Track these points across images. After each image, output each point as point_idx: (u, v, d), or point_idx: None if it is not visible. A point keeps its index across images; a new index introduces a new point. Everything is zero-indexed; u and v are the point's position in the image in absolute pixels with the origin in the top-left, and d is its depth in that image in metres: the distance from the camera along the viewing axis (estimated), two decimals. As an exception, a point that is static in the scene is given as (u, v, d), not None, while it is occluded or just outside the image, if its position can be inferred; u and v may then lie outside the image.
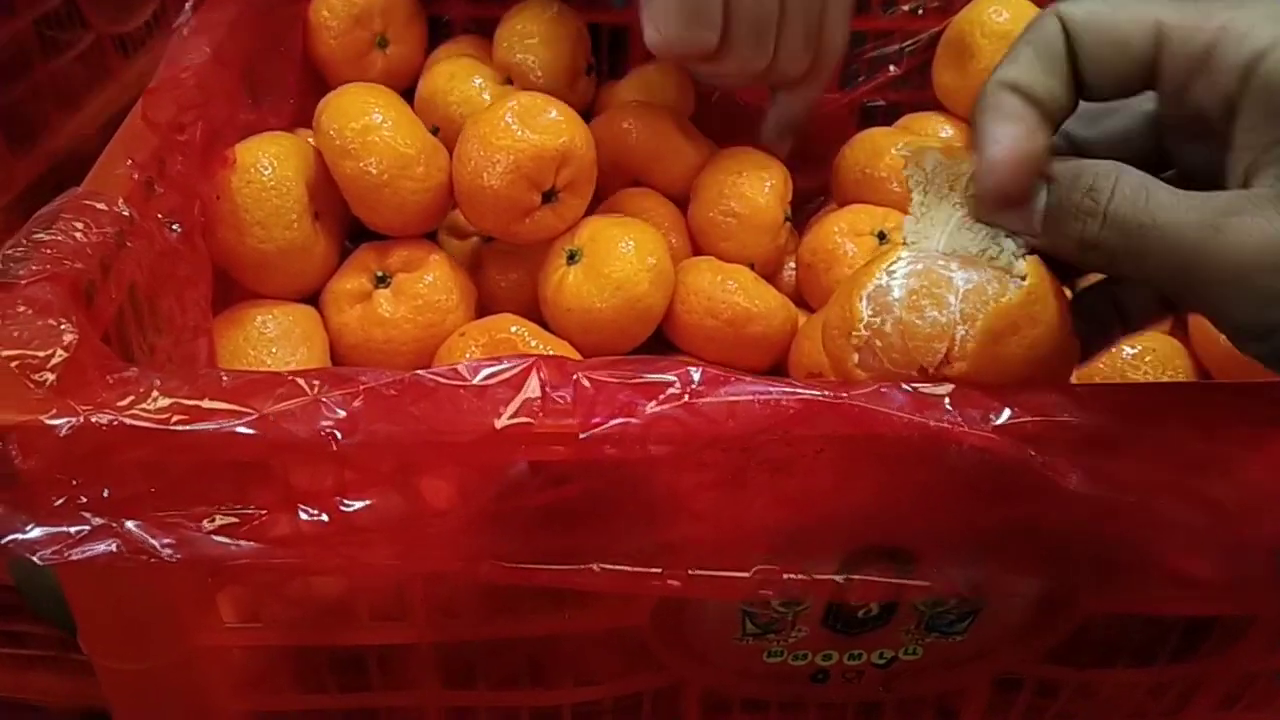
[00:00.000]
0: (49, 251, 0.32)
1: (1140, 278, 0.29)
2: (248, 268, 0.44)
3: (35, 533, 0.27)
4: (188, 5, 0.47)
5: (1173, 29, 0.28)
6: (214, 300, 0.41)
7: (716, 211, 0.49)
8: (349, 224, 0.48)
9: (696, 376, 0.28)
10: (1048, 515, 0.31)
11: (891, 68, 0.62)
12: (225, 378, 0.27)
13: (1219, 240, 0.26)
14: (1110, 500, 0.30)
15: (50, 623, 0.56)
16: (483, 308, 0.48)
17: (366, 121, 0.44)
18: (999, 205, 0.30)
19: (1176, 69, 0.28)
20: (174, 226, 0.38)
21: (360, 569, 0.29)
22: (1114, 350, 0.46)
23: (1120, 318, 0.34)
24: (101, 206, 0.34)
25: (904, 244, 0.32)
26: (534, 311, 0.47)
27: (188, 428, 0.26)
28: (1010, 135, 0.29)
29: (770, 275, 0.50)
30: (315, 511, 0.28)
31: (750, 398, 0.28)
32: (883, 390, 0.29)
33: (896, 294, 0.30)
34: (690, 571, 0.30)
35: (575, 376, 0.28)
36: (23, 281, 0.30)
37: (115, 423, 0.26)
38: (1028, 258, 0.30)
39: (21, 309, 0.28)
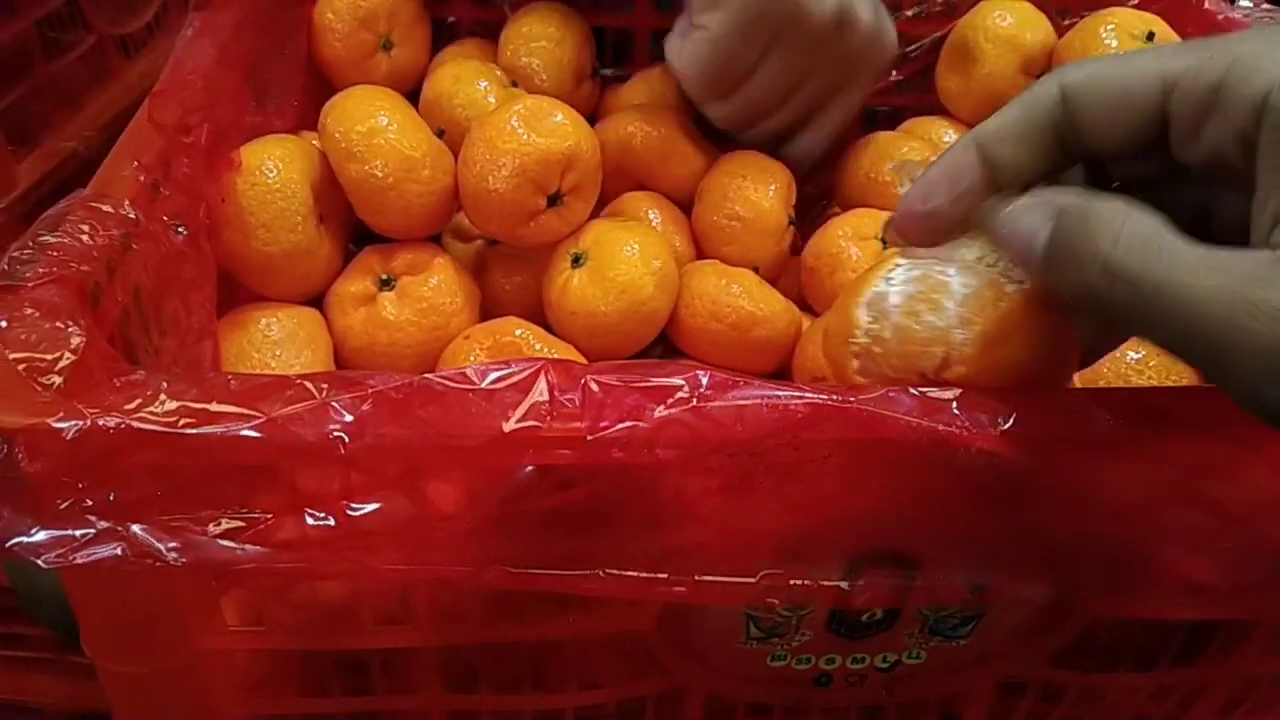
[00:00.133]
0: (55, 254, 0.31)
1: (1152, 341, 0.27)
2: (252, 270, 0.44)
3: (40, 536, 0.27)
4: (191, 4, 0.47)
5: (1179, 74, 0.27)
6: (218, 303, 0.41)
7: (721, 215, 0.49)
8: (353, 227, 0.48)
9: (705, 381, 0.28)
10: (1053, 519, 0.31)
11: (894, 72, 0.62)
12: (233, 381, 0.27)
13: (1253, 324, 0.23)
14: (1115, 505, 0.30)
15: (46, 627, 0.56)
16: (487, 311, 0.48)
17: (372, 124, 0.44)
18: (897, 242, 0.31)
19: (1186, 112, 0.27)
20: (179, 229, 0.37)
21: (366, 574, 0.29)
22: (1118, 354, 0.46)
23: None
24: (107, 209, 0.34)
25: (902, 251, 0.32)
26: (538, 314, 0.47)
27: (195, 431, 0.26)
28: (936, 191, 0.30)
29: (774, 279, 0.50)
30: (322, 515, 0.28)
31: (758, 402, 0.28)
32: (890, 394, 0.29)
33: (894, 300, 0.31)
34: (696, 577, 0.30)
35: (583, 380, 0.28)
36: (29, 284, 0.30)
37: (122, 426, 0.26)
38: None
39: (29, 311, 0.28)
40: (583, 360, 0.44)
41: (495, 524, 0.28)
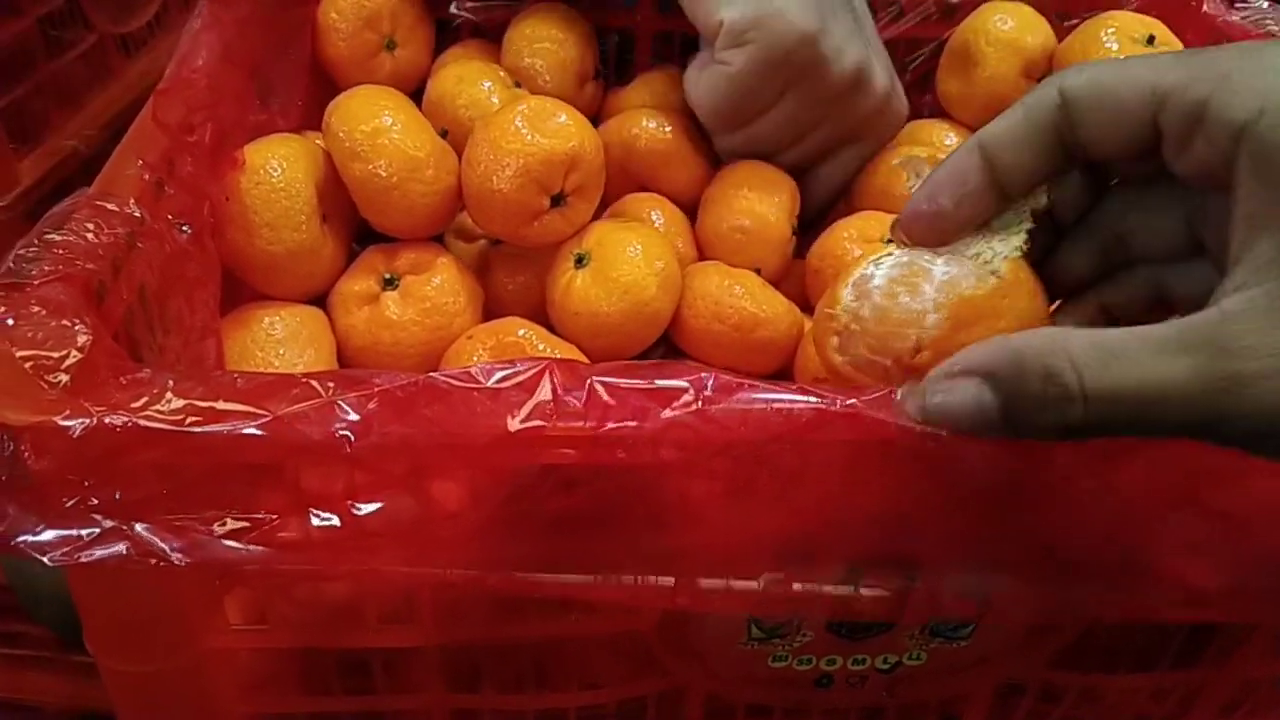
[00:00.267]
0: (61, 252, 0.32)
1: (1152, 437, 0.27)
2: (256, 269, 0.44)
3: (46, 535, 0.27)
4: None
5: (1169, 88, 0.27)
6: (221, 301, 0.41)
7: (725, 226, 0.49)
8: (357, 226, 0.48)
9: (710, 383, 0.28)
10: (1053, 523, 0.31)
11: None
12: (239, 379, 0.27)
13: (1234, 403, 0.24)
14: (1115, 508, 0.30)
15: (46, 625, 0.56)
16: (490, 311, 0.48)
17: (376, 124, 0.44)
18: (903, 241, 0.32)
19: (1175, 126, 0.27)
20: (184, 228, 0.38)
21: (370, 575, 0.29)
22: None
23: (1110, 324, 0.34)
24: (113, 207, 0.34)
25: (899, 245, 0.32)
26: (541, 315, 0.47)
27: (202, 429, 0.26)
28: (941, 193, 0.31)
29: (778, 281, 0.50)
30: (326, 515, 0.28)
31: (763, 405, 0.28)
32: (893, 398, 0.29)
33: (877, 282, 0.31)
34: (699, 581, 0.30)
35: (589, 380, 0.28)
36: (36, 282, 0.30)
37: (129, 424, 0.26)
38: (1010, 257, 0.31)
39: (35, 309, 0.28)
40: (585, 360, 0.44)
41: (499, 524, 0.29)
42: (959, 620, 0.36)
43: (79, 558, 0.27)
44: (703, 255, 0.51)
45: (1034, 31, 0.58)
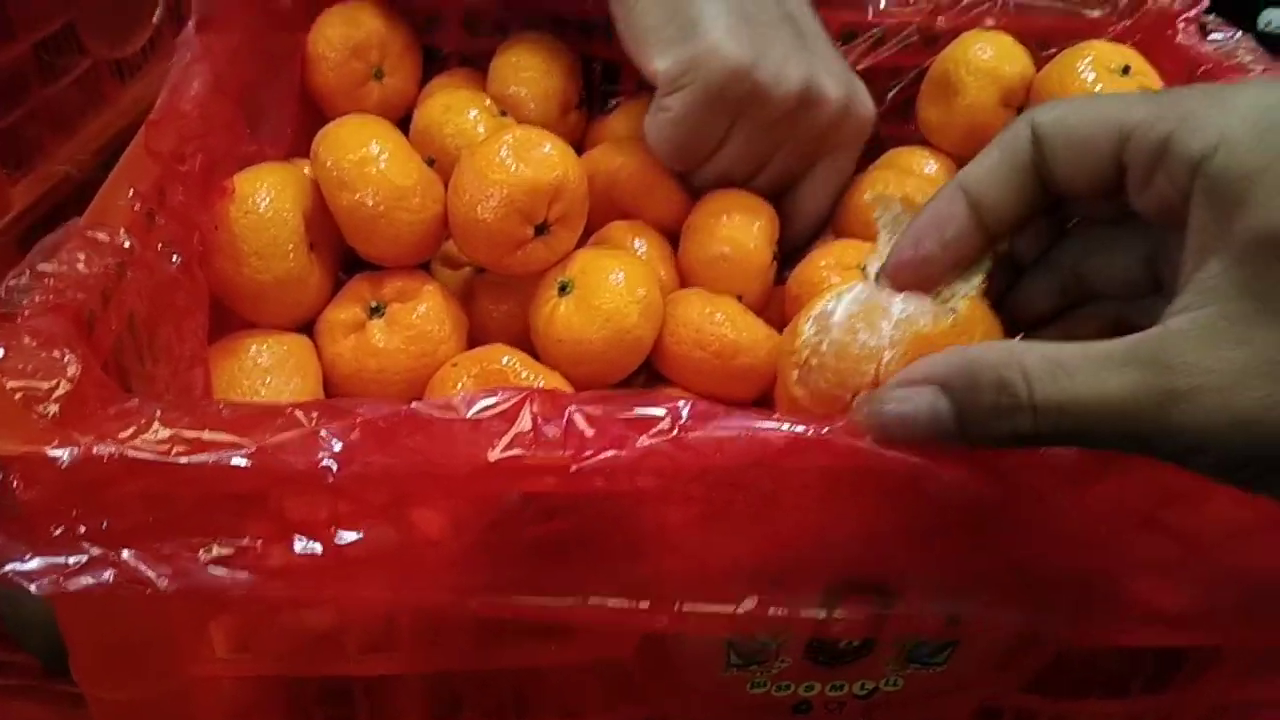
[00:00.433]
0: (52, 282, 0.32)
1: (1098, 448, 0.28)
2: (244, 297, 0.44)
3: (33, 563, 0.27)
4: (188, 27, 0.47)
5: (1134, 125, 0.28)
6: (209, 329, 0.42)
7: (706, 254, 0.50)
8: (344, 254, 0.49)
9: (685, 411, 0.29)
10: (1023, 548, 0.32)
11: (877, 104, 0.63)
12: (225, 409, 0.28)
13: (1169, 417, 0.25)
14: (1081, 533, 0.31)
15: (33, 654, 0.56)
16: (475, 337, 0.49)
17: (363, 153, 0.44)
18: (896, 287, 0.32)
19: (1139, 163, 0.28)
20: (174, 257, 0.38)
21: (353, 601, 0.30)
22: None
23: None
24: (103, 237, 0.35)
25: (865, 278, 0.33)
26: (526, 341, 0.47)
27: (188, 459, 0.27)
28: (926, 237, 0.31)
29: (759, 308, 0.51)
30: (310, 543, 0.28)
31: (737, 432, 0.29)
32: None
33: (837, 318, 0.32)
34: (676, 605, 0.31)
35: (567, 410, 0.29)
36: (27, 312, 0.30)
37: (117, 454, 0.27)
38: (969, 295, 0.31)
39: (26, 340, 0.29)
40: (569, 387, 0.45)
41: (480, 551, 0.29)
42: (935, 645, 0.36)
43: (66, 585, 0.27)
44: (685, 282, 0.52)
45: (1013, 61, 0.59)
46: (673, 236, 0.53)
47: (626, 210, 0.53)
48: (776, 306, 0.53)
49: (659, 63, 0.48)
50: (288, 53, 0.56)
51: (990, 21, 0.61)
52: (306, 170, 0.47)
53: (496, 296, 0.50)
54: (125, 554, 0.27)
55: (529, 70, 0.56)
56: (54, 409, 0.27)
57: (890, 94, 0.63)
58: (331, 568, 0.28)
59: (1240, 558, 0.32)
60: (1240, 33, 0.59)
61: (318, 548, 0.28)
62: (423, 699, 0.35)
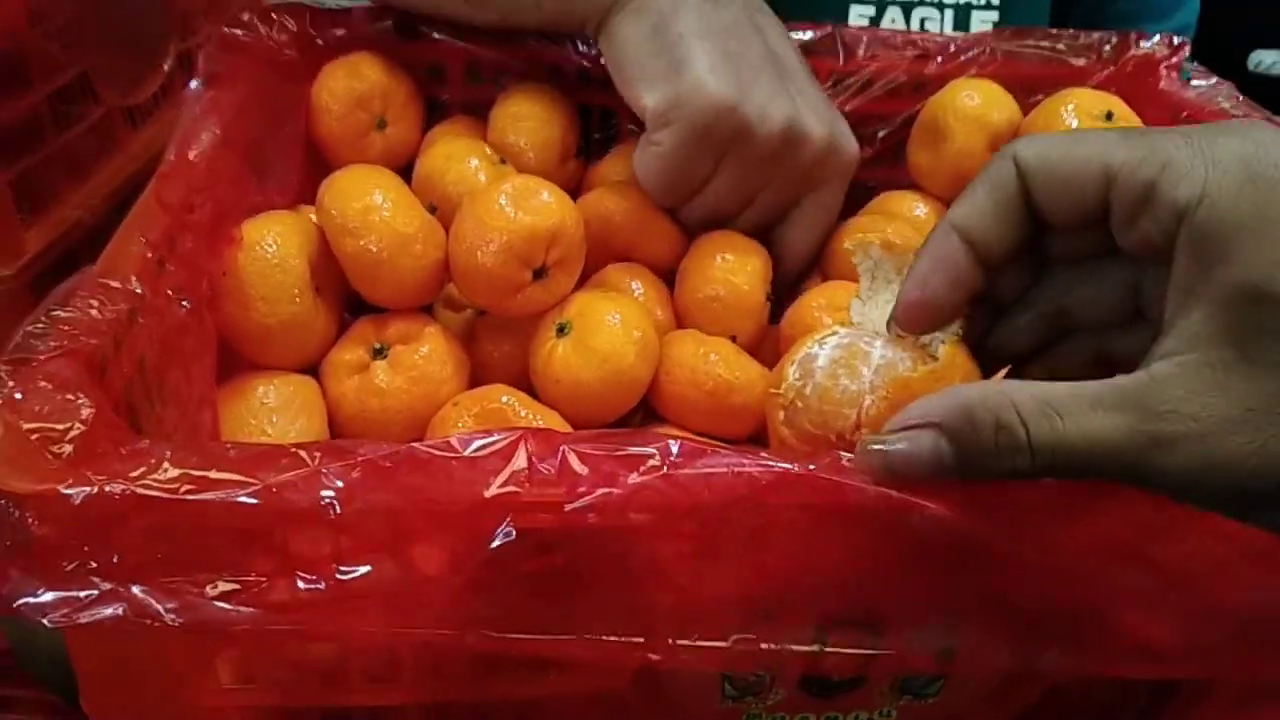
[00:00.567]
0: (66, 328, 0.33)
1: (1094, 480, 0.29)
2: (251, 340, 0.46)
3: (46, 597, 0.28)
4: (195, 79, 0.49)
5: (1118, 167, 0.29)
6: (217, 370, 0.43)
7: (700, 295, 0.51)
8: (349, 297, 0.50)
9: (675, 449, 0.30)
10: (1010, 582, 0.32)
11: (867, 148, 0.65)
12: (232, 450, 0.29)
13: (1158, 459, 0.27)
14: (1068, 567, 0.32)
15: (45, 686, 0.57)
16: (476, 377, 0.50)
17: (367, 202, 0.46)
18: (908, 331, 0.33)
19: (1124, 204, 0.29)
20: (183, 303, 0.39)
21: (354, 634, 0.30)
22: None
23: None
24: (115, 284, 0.36)
25: (849, 323, 0.34)
26: (525, 382, 0.48)
27: (196, 497, 0.28)
28: (931, 280, 0.32)
29: (754, 348, 0.52)
30: (313, 578, 0.29)
31: (725, 470, 0.30)
32: (849, 462, 0.30)
33: (820, 362, 0.33)
34: (669, 640, 0.31)
35: (561, 449, 0.30)
36: (42, 357, 0.32)
37: (127, 492, 0.28)
38: (947, 340, 0.32)
39: (42, 384, 0.30)
40: (567, 426, 0.46)
41: (477, 586, 0.30)
42: (927, 677, 0.37)
43: (77, 619, 0.28)
44: (680, 323, 0.53)
45: (999, 107, 0.60)
46: (668, 277, 0.54)
47: (622, 252, 0.55)
48: (771, 345, 0.54)
49: (647, 99, 0.50)
50: (293, 104, 0.57)
51: (975, 70, 0.62)
52: (312, 217, 0.49)
53: (497, 338, 0.51)
54: (135, 589, 0.28)
55: (528, 120, 0.58)
56: (68, 449, 0.29)
57: (880, 136, 0.65)
58: (334, 602, 0.29)
59: (1225, 591, 0.33)
60: (1216, 79, 0.61)
61: (321, 583, 0.29)
62: (423, 731, 0.35)
